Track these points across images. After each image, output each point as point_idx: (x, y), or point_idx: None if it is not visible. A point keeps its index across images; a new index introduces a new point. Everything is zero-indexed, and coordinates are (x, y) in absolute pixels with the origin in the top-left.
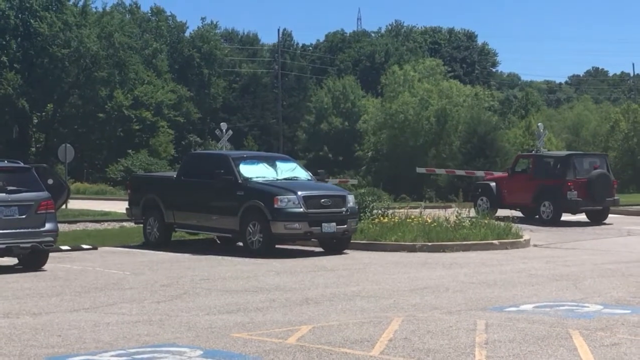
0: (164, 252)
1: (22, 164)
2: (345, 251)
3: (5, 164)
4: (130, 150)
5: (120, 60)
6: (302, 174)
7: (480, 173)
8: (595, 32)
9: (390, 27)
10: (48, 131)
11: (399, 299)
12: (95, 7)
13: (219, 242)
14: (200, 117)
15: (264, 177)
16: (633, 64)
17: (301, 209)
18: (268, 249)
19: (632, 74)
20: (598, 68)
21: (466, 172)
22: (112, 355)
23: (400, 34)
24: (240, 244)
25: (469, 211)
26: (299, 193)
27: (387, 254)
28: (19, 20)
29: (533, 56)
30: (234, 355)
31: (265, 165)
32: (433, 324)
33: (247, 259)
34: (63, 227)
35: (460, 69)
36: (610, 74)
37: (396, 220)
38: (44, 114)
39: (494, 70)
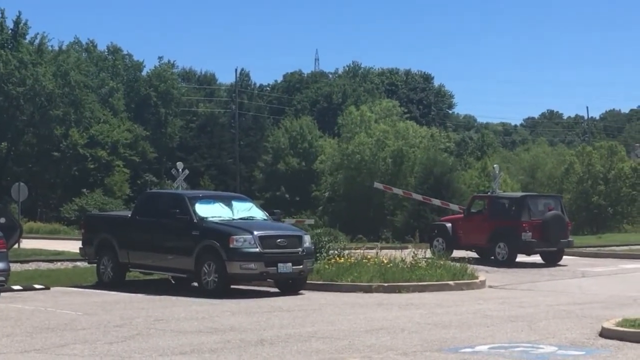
0: (118, 293)
1: None
2: (301, 292)
3: None
4: (85, 190)
5: (76, 99)
6: (258, 213)
7: (436, 201)
8: (550, 75)
9: (347, 68)
10: (1, 170)
11: (355, 340)
12: (52, 46)
13: (173, 282)
14: (157, 157)
15: (220, 217)
16: (587, 107)
17: (257, 249)
18: (223, 290)
19: (586, 117)
20: (553, 111)
21: (423, 199)
22: None
23: (357, 75)
24: (196, 284)
25: (425, 252)
26: (255, 233)
27: (343, 294)
28: None
29: (489, 98)
30: None
31: (221, 204)
32: None
33: (202, 300)
34: (15, 267)
35: (417, 110)
36: (565, 117)
37: (352, 260)
38: None
39: (450, 112)
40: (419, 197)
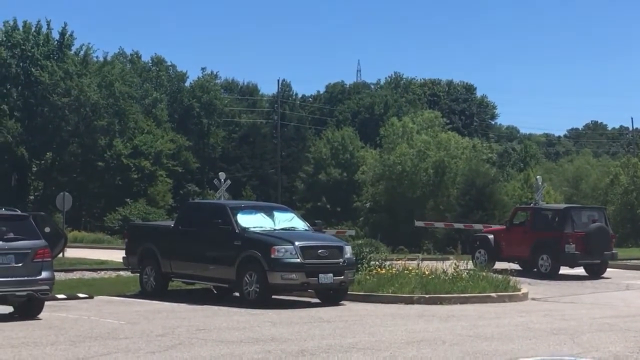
0: (160, 302)
1: (19, 212)
2: (342, 302)
3: (3, 211)
4: (128, 199)
5: (120, 110)
6: (299, 224)
7: (478, 226)
8: (595, 86)
9: (389, 79)
10: (47, 179)
11: (396, 352)
12: (97, 57)
13: (215, 292)
14: (199, 167)
15: (262, 227)
16: (632, 118)
17: (298, 260)
18: (265, 300)
19: (631, 128)
20: (597, 122)
21: (465, 226)
22: None
23: (399, 86)
24: (237, 294)
25: (466, 263)
26: (297, 243)
27: (384, 305)
28: (20, 69)
29: (532, 109)
30: None
31: (263, 215)
32: None
33: (243, 310)
34: (59, 276)
35: (459, 121)
36: (609, 128)
37: (394, 271)
38: (43, 162)
39: (492, 122)
40: (460, 225)
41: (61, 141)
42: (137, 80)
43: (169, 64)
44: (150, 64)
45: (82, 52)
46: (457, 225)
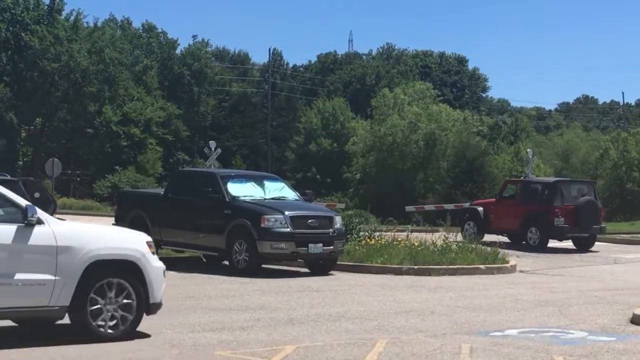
0: None
1: (8, 177)
2: (331, 272)
3: None
4: (117, 167)
5: (110, 76)
6: (289, 194)
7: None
8: (586, 60)
9: (381, 50)
10: (36, 145)
11: (384, 321)
12: (87, 22)
13: (205, 260)
14: (189, 135)
15: (252, 196)
16: (623, 93)
17: (288, 229)
18: (254, 269)
19: (621, 103)
20: (588, 96)
21: (455, 206)
22: None
23: (391, 57)
24: (227, 262)
25: (456, 235)
26: (286, 213)
27: (373, 276)
28: (10, 34)
29: (523, 83)
30: None
31: (253, 184)
32: (417, 346)
33: (232, 278)
34: None
35: (450, 93)
36: (600, 102)
37: (383, 242)
38: (32, 127)
39: (484, 95)
40: (450, 206)
41: (51, 107)
42: (128, 46)
43: (159, 31)
44: (140, 31)
45: (72, 18)
46: (447, 207)
